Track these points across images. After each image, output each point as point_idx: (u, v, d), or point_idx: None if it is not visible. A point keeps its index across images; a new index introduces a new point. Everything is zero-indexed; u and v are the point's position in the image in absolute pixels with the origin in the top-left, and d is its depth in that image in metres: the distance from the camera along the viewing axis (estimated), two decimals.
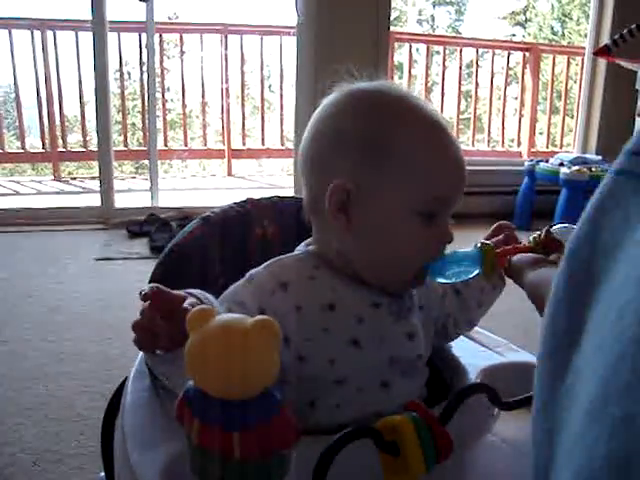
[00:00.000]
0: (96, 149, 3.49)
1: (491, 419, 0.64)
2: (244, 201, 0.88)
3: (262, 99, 5.04)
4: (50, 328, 1.93)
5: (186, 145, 5.08)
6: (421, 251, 0.66)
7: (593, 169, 3.14)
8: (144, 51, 3.85)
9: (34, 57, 4.44)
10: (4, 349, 1.79)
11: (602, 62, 3.74)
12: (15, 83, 4.52)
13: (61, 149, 4.79)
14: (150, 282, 0.78)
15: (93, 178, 4.55)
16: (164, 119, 4.88)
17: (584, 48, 4.20)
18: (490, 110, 5.06)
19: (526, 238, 0.75)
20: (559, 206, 3.14)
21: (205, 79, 4.91)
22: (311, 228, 0.73)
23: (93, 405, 1.44)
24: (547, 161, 3.44)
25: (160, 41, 4.65)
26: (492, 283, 0.76)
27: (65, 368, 1.66)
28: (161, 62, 4.72)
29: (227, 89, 4.92)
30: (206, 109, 5.11)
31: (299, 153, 0.71)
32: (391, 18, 3.54)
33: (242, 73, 4.90)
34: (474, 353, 0.81)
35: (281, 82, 4.86)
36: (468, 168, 0.67)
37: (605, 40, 3.47)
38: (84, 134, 4.80)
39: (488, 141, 5.10)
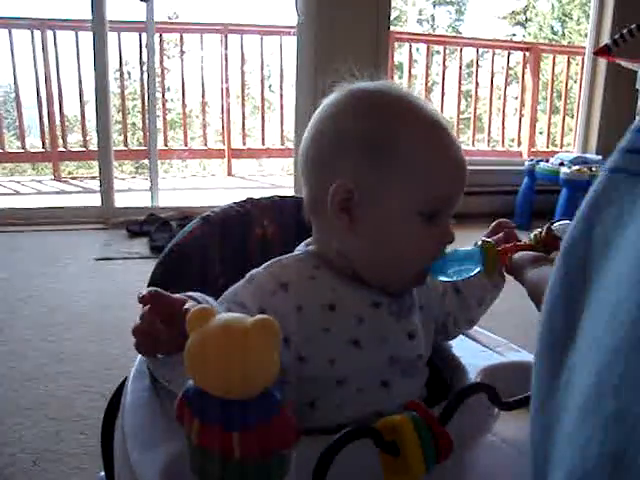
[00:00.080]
0: (96, 149, 3.49)
1: (491, 419, 0.64)
2: (244, 201, 0.88)
3: (262, 99, 5.03)
4: (50, 328, 1.93)
5: (186, 145, 5.07)
6: (422, 251, 0.66)
7: (593, 169, 3.14)
8: (144, 51, 3.85)
9: (34, 57, 4.43)
10: (4, 349, 1.79)
11: (602, 62, 3.74)
12: (15, 83, 4.52)
13: (61, 149, 4.79)
14: (150, 281, 0.78)
15: (93, 178, 4.55)
16: (164, 119, 4.88)
17: (584, 48, 4.20)
18: (490, 110, 5.06)
19: (526, 237, 0.75)
20: (559, 206, 3.14)
21: (205, 79, 4.91)
22: (311, 228, 0.73)
23: (93, 405, 1.44)
24: (547, 161, 3.44)
25: (160, 41, 4.64)
26: (493, 281, 0.76)
27: (65, 368, 1.65)
28: (161, 62, 4.72)
29: (227, 89, 4.92)
30: (206, 109, 5.11)
31: (299, 153, 0.71)
32: (391, 18, 3.53)
33: (242, 73, 4.90)
34: (474, 353, 0.80)
35: (281, 82, 4.85)
36: (468, 168, 0.68)
37: (605, 40, 3.47)
38: (84, 134, 4.80)
39: (488, 141, 5.10)
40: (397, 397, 0.65)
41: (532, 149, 4.97)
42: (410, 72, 4.86)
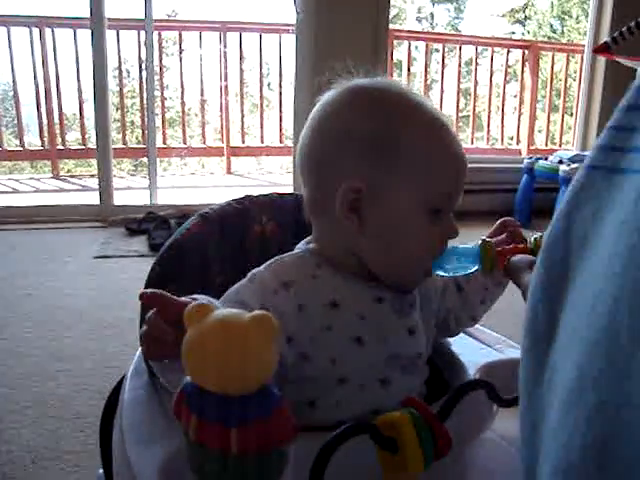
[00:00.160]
0: (95, 147, 3.49)
1: (490, 416, 0.64)
2: (242, 198, 0.87)
3: (261, 97, 5.03)
4: (49, 326, 1.93)
5: (185, 143, 5.07)
6: (431, 246, 0.67)
7: None
8: (143, 49, 3.85)
9: (32, 55, 4.43)
10: (3, 347, 1.79)
11: (601, 60, 3.73)
12: (14, 81, 4.51)
13: (60, 147, 4.79)
14: (148, 279, 0.78)
15: (92, 176, 4.55)
16: (163, 117, 4.88)
17: (583, 46, 4.20)
18: (489, 108, 5.06)
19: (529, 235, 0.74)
20: (558, 204, 3.13)
21: (204, 77, 4.90)
22: (310, 226, 0.72)
23: (92, 403, 1.44)
24: (546, 159, 3.45)
25: (159, 39, 4.64)
26: (496, 280, 0.76)
27: (64, 366, 1.65)
28: (160, 60, 4.72)
29: (226, 87, 4.91)
30: (205, 107, 5.11)
31: (298, 153, 0.70)
32: (390, 15, 3.53)
33: (241, 71, 4.89)
34: (473, 350, 0.81)
35: (280, 80, 4.85)
36: (468, 166, 0.68)
37: (604, 38, 3.47)
38: (83, 132, 4.80)
39: (487, 139, 5.10)
40: (397, 395, 0.65)
41: (531, 147, 4.97)
42: (409, 70, 4.85)
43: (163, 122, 4.88)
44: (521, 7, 9.80)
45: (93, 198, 3.51)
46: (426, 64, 4.99)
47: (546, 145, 5.16)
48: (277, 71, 4.87)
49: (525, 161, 3.58)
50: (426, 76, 4.97)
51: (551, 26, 9.53)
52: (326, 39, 3.16)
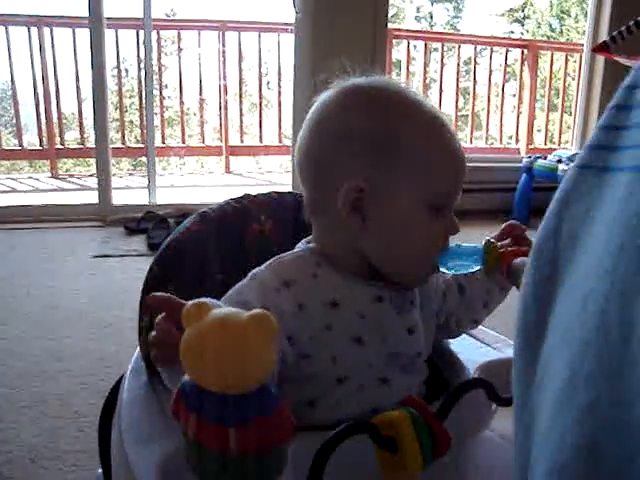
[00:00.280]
0: (93, 146, 3.48)
1: (489, 415, 0.64)
2: (241, 197, 0.87)
3: (260, 96, 5.03)
4: (47, 325, 1.93)
5: (184, 142, 5.07)
6: (434, 243, 0.67)
7: None
8: (141, 48, 3.84)
9: (31, 54, 4.43)
10: (1, 346, 1.78)
11: (600, 59, 3.73)
12: (12, 80, 4.51)
13: (58, 146, 4.79)
14: (148, 278, 0.78)
15: (90, 175, 4.55)
16: (162, 116, 4.87)
17: (582, 45, 4.20)
18: (488, 107, 5.06)
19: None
20: None
21: (203, 76, 4.90)
22: (309, 225, 0.72)
23: (91, 402, 1.43)
24: (545, 158, 3.44)
25: (157, 38, 4.64)
26: (498, 284, 0.76)
27: (63, 365, 1.65)
28: (159, 59, 4.72)
29: (225, 86, 4.91)
30: (204, 106, 5.11)
31: (297, 153, 0.70)
32: (389, 15, 3.53)
33: (240, 70, 4.89)
34: (472, 349, 0.81)
35: (279, 79, 4.85)
36: (467, 164, 0.68)
37: (603, 37, 3.47)
38: (81, 131, 4.79)
39: (486, 138, 5.11)
40: (396, 394, 0.65)
41: (530, 146, 4.97)
42: (408, 69, 4.85)
43: (162, 121, 4.88)
44: (520, 6, 9.80)
45: (92, 197, 3.50)
46: (425, 63, 4.99)
47: (545, 144, 5.17)
48: (276, 70, 4.87)
49: (524, 160, 3.58)
50: (425, 75, 4.98)
51: (550, 25, 9.53)
52: (325, 38, 3.16)
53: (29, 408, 1.44)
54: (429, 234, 0.66)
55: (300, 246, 0.72)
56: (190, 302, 0.37)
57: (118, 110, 4.94)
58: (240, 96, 5.01)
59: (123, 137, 4.90)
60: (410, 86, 0.71)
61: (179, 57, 4.87)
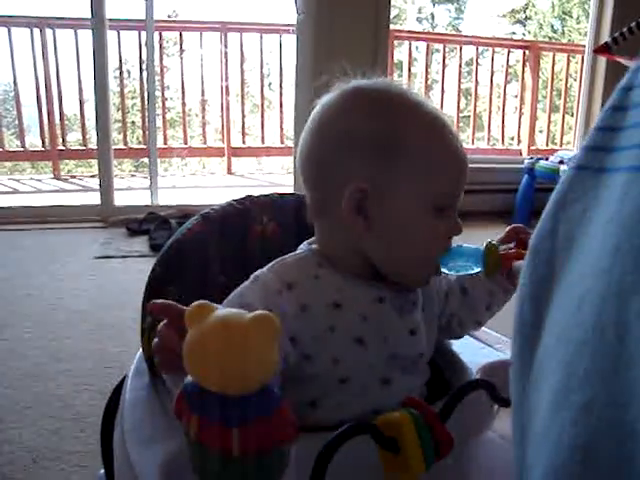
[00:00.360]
0: (96, 147, 3.49)
1: (490, 416, 0.64)
2: (243, 198, 0.88)
3: (262, 97, 5.03)
4: (50, 326, 1.93)
5: (186, 143, 5.07)
6: (437, 244, 0.67)
7: None
8: (144, 49, 3.85)
9: (33, 55, 4.43)
10: (3, 347, 1.79)
11: (602, 60, 3.73)
12: (15, 81, 4.51)
13: (61, 147, 4.79)
14: (149, 279, 0.78)
15: (93, 176, 4.55)
16: (164, 117, 4.88)
17: (584, 46, 4.20)
18: (490, 108, 5.06)
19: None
20: None
21: (205, 77, 4.90)
22: (311, 226, 0.73)
23: (93, 403, 1.44)
24: (547, 159, 3.44)
25: (160, 39, 4.64)
26: (501, 286, 0.76)
27: (65, 366, 1.65)
28: (161, 60, 4.72)
29: (227, 87, 4.91)
30: (206, 107, 5.11)
31: (299, 155, 0.70)
32: (391, 16, 3.53)
33: (242, 71, 4.89)
34: (474, 350, 0.81)
35: (281, 80, 4.85)
36: (468, 166, 0.68)
37: (605, 38, 3.47)
38: (84, 132, 4.80)
39: (488, 139, 5.10)
40: (397, 395, 0.65)
41: (532, 147, 4.97)
42: (410, 70, 4.85)
43: (164, 122, 4.88)
44: (522, 7, 9.79)
45: (94, 198, 3.51)
46: (427, 64, 4.99)
47: (547, 145, 5.16)
48: (278, 71, 4.87)
49: (526, 161, 3.58)
50: (427, 76, 4.97)
51: (552, 26, 9.52)
52: (327, 39, 3.16)
53: (30, 409, 1.44)
54: (432, 235, 0.66)
55: (302, 247, 0.72)
56: (193, 303, 0.37)
57: (120, 111, 4.94)
58: (242, 97, 5.01)
59: (125, 138, 4.91)
60: (411, 87, 0.71)
61: (181, 58, 4.87)
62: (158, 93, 4.29)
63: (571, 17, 9.17)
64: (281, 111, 4.95)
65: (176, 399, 0.38)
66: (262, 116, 5.03)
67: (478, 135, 5.10)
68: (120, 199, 3.51)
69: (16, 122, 4.87)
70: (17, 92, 4.58)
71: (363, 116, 0.65)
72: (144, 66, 3.86)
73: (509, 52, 5.05)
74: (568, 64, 4.99)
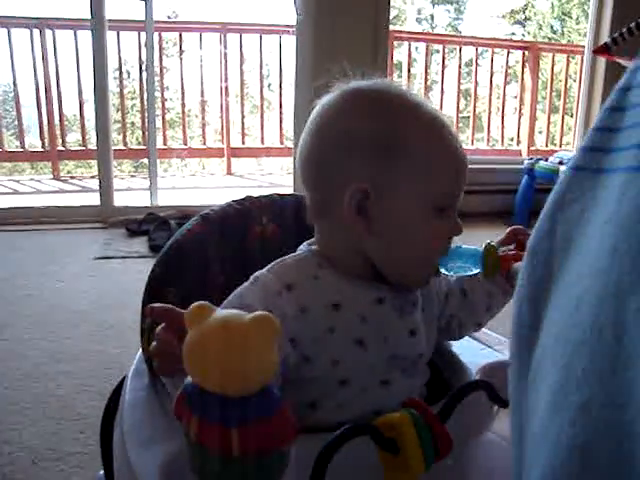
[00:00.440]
0: (95, 148, 3.49)
1: (490, 417, 0.64)
2: (243, 199, 0.88)
3: (261, 98, 5.03)
4: (49, 327, 1.93)
5: (185, 144, 5.07)
6: (438, 244, 0.68)
7: None
8: (143, 50, 3.84)
9: (33, 56, 4.43)
10: (3, 348, 1.79)
11: (601, 61, 3.73)
12: (14, 82, 4.51)
13: (60, 148, 4.79)
14: (149, 280, 0.78)
15: (92, 177, 4.55)
16: (163, 118, 4.88)
17: (583, 47, 4.20)
18: (489, 109, 5.06)
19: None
20: None
21: (204, 78, 4.91)
22: (311, 227, 0.73)
23: (92, 404, 1.44)
24: (546, 160, 3.45)
25: (159, 40, 4.64)
26: (501, 288, 0.76)
27: (64, 367, 1.65)
28: (160, 61, 4.72)
29: (226, 88, 4.91)
30: (205, 108, 5.11)
31: (299, 156, 0.70)
32: (390, 17, 3.53)
33: (241, 72, 4.89)
34: (474, 351, 0.81)
35: (280, 81, 4.85)
36: (468, 167, 0.68)
37: (604, 39, 3.47)
38: (83, 133, 4.79)
39: (487, 140, 5.10)
40: (397, 396, 0.65)
41: (531, 148, 4.97)
42: (409, 71, 4.85)
43: (163, 123, 4.88)
44: (521, 8, 9.80)
45: (93, 199, 3.51)
46: (426, 65, 4.99)
47: (546, 146, 5.16)
48: (277, 72, 4.87)
49: (525, 162, 3.58)
50: (426, 77, 4.97)
51: (551, 27, 9.53)
52: (326, 40, 3.16)
53: (30, 409, 1.44)
54: (432, 235, 0.66)
55: (302, 248, 0.72)
56: (193, 304, 0.37)
57: (120, 112, 4.94)
58: (241, 98, 5.01)
59: (125, 139, 4.91)
60: (411, 88, 0.71)
61: (181, 59, 4.87)
62: (158, 94, 4.29)
63: (570, 18, 9.17)
64: (281, 112, 4.95)
65: (176, 400, 0.38)
66: (262, 117, 5.03)
67: (478, 136, 5.10)
68: (120, 200, 3.51)
69: (16, 123, 4.87)
70: (17, 93, 4.57)
71: (363, 117, 0.66)
72: (144, 67, 3.86)
73: (509, 53, 5.05)
74: (568, 65, 4.99)
